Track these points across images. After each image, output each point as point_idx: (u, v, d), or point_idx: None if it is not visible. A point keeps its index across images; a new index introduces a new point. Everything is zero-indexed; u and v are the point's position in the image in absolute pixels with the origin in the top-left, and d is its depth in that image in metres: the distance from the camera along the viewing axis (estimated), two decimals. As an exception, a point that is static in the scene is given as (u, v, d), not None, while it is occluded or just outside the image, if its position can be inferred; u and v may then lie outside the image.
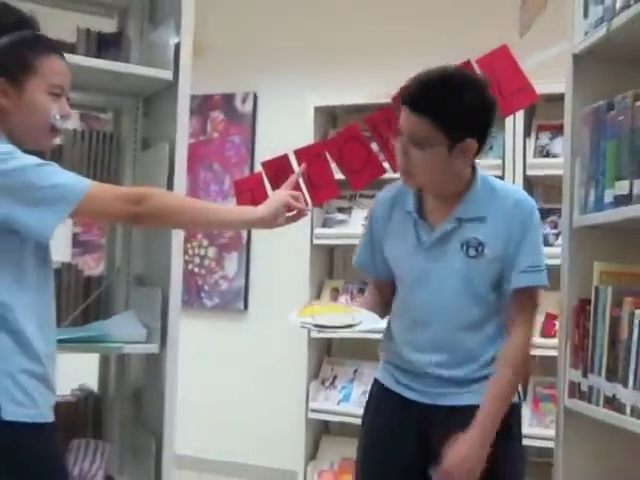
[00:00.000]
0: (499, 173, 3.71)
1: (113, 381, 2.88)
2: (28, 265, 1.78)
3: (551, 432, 2.32)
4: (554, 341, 2.14)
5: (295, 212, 2.03)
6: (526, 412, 3.56)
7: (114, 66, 2.56)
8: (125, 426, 2.81)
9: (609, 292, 1.88)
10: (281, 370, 4.59)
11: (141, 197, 1.81)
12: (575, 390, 2.00)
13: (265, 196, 2.24)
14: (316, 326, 1.98)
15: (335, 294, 4.33)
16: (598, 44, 2.00)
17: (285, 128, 4.63)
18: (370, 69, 4.42)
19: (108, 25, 2.93)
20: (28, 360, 1.74)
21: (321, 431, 4.42)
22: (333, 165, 2.33)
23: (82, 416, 2.73)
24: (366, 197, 4.20)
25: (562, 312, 2.13)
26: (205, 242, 5.25)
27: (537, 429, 3.55)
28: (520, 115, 3.69)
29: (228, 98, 5.25)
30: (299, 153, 2.32)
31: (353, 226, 4.24)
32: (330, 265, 4.55)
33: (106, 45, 2.71)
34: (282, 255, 4.68)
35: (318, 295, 4.31)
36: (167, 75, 2.55)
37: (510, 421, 1.95)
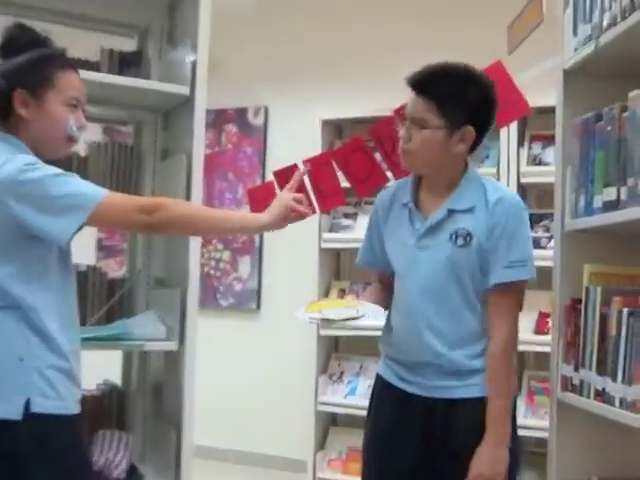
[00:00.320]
0: (494, 181, 3.71)
1: (135, 376, 2.88)
2: (52, 269, 1.78)
3: (545, 423, 2.31)
4: (547, 338, 2.13)
5: (298, 215, 2.02)
6: (521, 405, 3.55)
7: (135, 83, 2.56)
8: (147, 418, 2.81)
9: (598, 292, 1.88)
10: (291, 365, 4.58)
11: (154, 207, 1.80)
12: (567, 384, 2.00)
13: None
14: (323, 320, 1.98)
15: (342, 294, 4.33)
16: (587, 60, 2.00)
17: (294, 139, 4.63)
18: (373, 84, 4.42)
19: (129, 45, 2.94)
20: (54, 357, 1.75)
21: (329, 422, 4.42)
22: (339, 174, 2.33)
23: (107, 409, 2.73)
24: (370, 204, 4.17)
25: (554, 311, 2.12)
26: (220, 246, 5.26)
27: (532, 420, 3.54)
28: (514, 126, 3.69)
29: (241, 112, 5.26)
30: (307, 162, 2.32)
31: (358, 231, 4.22)
32: (337, 267, 4.55)
33: (127, 63, 2.72)
34: (292, 258, 4.69)
35: (326, 295, 4.31)
36: (184, 91, 2.55)
37: None
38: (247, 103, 5.22)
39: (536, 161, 3.82)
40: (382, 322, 2.08)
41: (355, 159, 2.29)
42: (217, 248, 5.27)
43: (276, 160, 4.55)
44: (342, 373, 4.30)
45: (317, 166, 2.30)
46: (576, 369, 1.95)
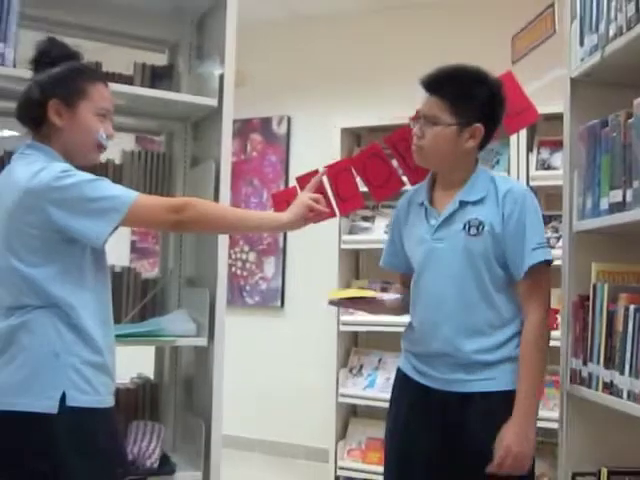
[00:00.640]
0: (505, 184, 3.68)
1: (167, 371, 2.89)
2: (87, 269, 1.79)
3: (555, 415, 2.28)
4: (557, 333, 2.11)
5: (317, 214, 2.04)
6: (532, 396, 3.51)
7: (166, 95, 2.57)
8: (178, 410, 2.82)
9: (605, 289, 1.86)
10: (313, 359, 4.58)
11: (183, 206, 1.82)
12: (576, 377, 1.98)
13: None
14: (341, 300, 2.10)
15: (361, 293, 4.32)
16: (593, 69, 1.98)
17: (315, 147, 4.64)
18: (389, 95, 4.42)
19: (160, 59, 2.95)
20: (89, 352, 1.75)
21: (349, 414, 4.40)
22: (358, 179, 2.32)
23: (140, 401, 2.73)
24: (387, 207, 4.19)
25: (563, 307, 2.10)
26: (246, 248, 5.27)
27: (542, 412, 3.45)
28: (523, 132, 3.66)
29: (265, 122, 5.27)
30: (328, 168, 2.32)
31: (376, 232, 4.23)
32: (356, 267, 4.54)
33: (159, 77, 2.73)
34: (314, 258, 4.69)
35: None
36: (212, 102, 2.56)
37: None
38: (271, 113, 5.22)
39: (545, 165, 3.79)
40: (394, 297, 2.11)
41: (372, 165, 2.28)
42: (243, 249, 5.28)
43: (298, 166, 4.55)
44: (361, 367, 4.29)
45: (337, 172, 2.29)
46: (584, 363, 1.93)
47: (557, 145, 3.53)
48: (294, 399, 4.84)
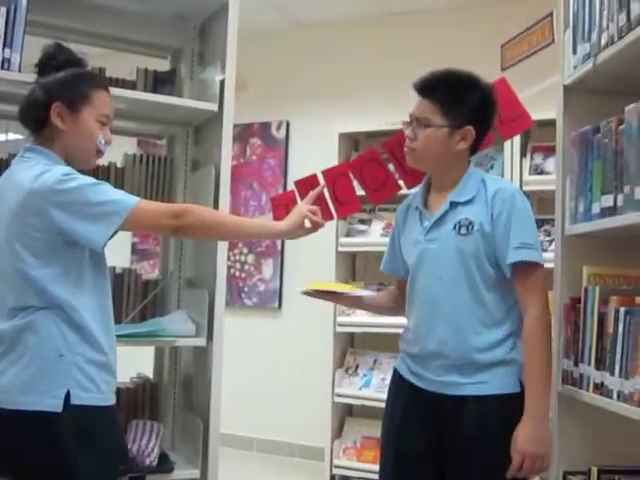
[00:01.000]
0: (499, 189, 3.69)
1: (166, 370, 2.89)
2: (86, 271, 1.79)
3: (547, 414, 2.29)
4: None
5: (313, 225, 2.05)
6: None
7: (168, 100, 2.58)
8: (177, 409, 2.82)
9: (597, 292, 1.86)
10: (310, 360, 4.58)
11: (182, 212, 1.83)
12: (568, 377, 1.98)
13: (297, 210, 2.24)
14: (315, 291, 2.15)
15: (357, 294, 4.32)
16: (585, 77, 1.99)
17: (313, 151, 4.64)
18: (386, 100, 4.42)
19: (163, 65, 2.96)
20: (93, 352, 1.76)
21: (345, 413, 4.40)
22: (355, 183, 2.33)
23: (140, 400, 2.73)
24: (384, 210, 4.20)
25: (555, 309, 2.10)
26: (245, 250, 5.27)
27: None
28: (517, 138, 3.68)
29: (265, 126, 5.27)
30: (326, 173, 2.32)
31: (373, 235, 4.23)
32: (353, 269, 4.54)
33: (161, 82, 2.73)
34: (311, 260, 4.68)
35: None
36: (213, 107, 2.56)
37: (509, 414, 1.83)
38: (270, 118, 5.23)
39: (538, 170, 3.80)
40: (369, 294, 2.16)
41: (370, 169, 2.29)
42: (242, 251, 5.29)
43: (297, 170, 4.55)
44: (357, 367, 4.29)
45: (335, 176, 2.30)
46: (576, 364, 1.93)
47: (550, 151, 3.53)
48: (291, 398, 4.84)
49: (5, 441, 1.69)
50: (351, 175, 2.31)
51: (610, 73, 1.91)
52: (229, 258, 5.11)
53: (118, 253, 2.03)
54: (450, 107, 1.91)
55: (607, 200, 1.80)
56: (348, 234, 4.33)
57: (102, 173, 2.60)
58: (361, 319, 4.18)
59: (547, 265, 1.98)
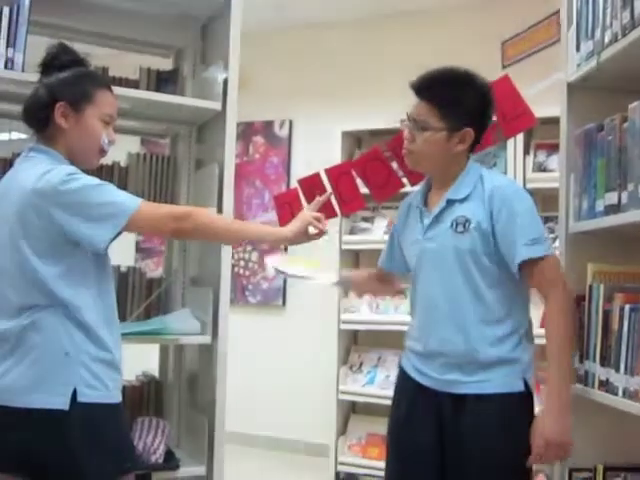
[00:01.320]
0: (502, 186, 3.68)
1: (172, 368, 2.89)
2: (89, 271, 1.79)
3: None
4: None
5: (317, 231, 2.04)
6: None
7: (171, 99, 2.57)
8: (182, 407, 2.81)
9: (601, 289, 1.85)
10: (314, 357, 4.58)
11: (184, 215, 1.82)
12: (573, 375, 1.97)
13: (300, 208, 2.24)
14: (278, 271, 2.23)
15: (360, 290, 4.32)
16: (589, 74, 1.98)
17: (317, 150, 4.63)
18: (389, 99, 4.39)
19: (166, 64, 2.95)
20: (98, 350, 1.76)
21: (350, 410, 4.40)
22: (359, 181, 2.32)
23: (145, 398, 2.74)
24: (387, 208, 4.19)
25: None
26: (249, 248, 5.27)
27: (539, 408, 3.49)
28: (520, 136, 3.66)
29: (268, 125, 5.27)
30: (329, 171, 2.32)
31: (376, 233, 4.23)
32: (356, 266, 4.53)
33: (164, 81, 2.72)
34: (315, 258, 4.68)
35: (346, 292, 4.29)
36: (216, 106, 2.55)
37: (512, 413, 1.83)
38: (273, 116, 5.23)
39: (541, 168, 3.79)
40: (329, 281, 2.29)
41: (373, 168, 2.28)
42: (246, 249, 5.29)
43: (300, 169, 4.56)
44: (361, 364, 4.29)
45: (338, 174, 2.30)
46: (581, 361, 1.93)
47: (553, 148, 3.52)
48: (295, 396, 4.84)
49: (13, 439, 1.69)
50: (354, 173, 2.31)
51: (614, 71, 1.90)
52: (233, 256, 5.09)
53: (122, 251, 2.03)
54: (448, 109, 1.88)
55: (611, 197, 1.79)
56: (351, 232, 4.33)
57: (106, 172, 2.60)
58: (365, 316, 4.18)
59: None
